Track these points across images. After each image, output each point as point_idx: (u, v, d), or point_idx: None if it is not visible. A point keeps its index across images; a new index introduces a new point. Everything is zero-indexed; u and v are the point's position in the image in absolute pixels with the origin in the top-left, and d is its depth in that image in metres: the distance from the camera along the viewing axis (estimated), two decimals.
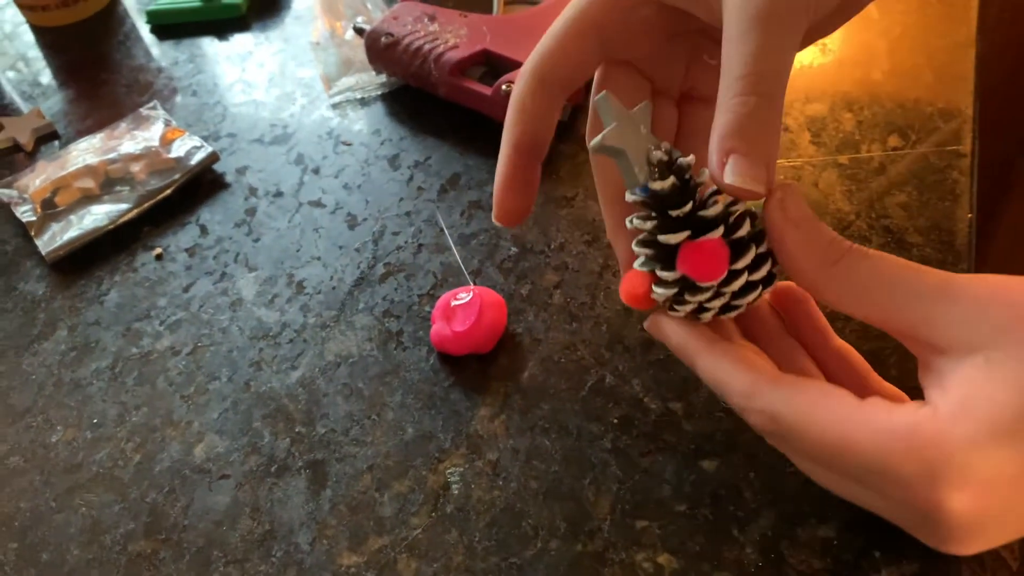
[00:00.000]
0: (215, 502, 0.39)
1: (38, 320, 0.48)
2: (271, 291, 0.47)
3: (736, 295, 0.32)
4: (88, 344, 0.46)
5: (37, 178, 0.54)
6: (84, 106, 0.62)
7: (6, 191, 0.54)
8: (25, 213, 0.52)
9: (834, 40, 0.56)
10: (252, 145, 0.56)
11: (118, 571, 0.38)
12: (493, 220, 0.35)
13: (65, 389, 0.45)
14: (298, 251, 0.49)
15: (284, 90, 0.60)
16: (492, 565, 0.36)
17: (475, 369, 0.42)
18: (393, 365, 0.43)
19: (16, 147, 0.59)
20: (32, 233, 0.51)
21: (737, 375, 0.31)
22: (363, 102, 0.57)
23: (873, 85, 0.53)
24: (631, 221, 0.32)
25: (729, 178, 0.28)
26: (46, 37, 0.69)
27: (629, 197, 0.31)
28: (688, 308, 0.32)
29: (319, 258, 0.49)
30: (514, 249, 0.47)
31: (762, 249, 0.32)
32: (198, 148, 0.54)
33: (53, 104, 0.62)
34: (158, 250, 0.50)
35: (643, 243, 0.32)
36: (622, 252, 0.36)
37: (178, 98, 0.61)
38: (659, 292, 0.32)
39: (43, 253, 0.50)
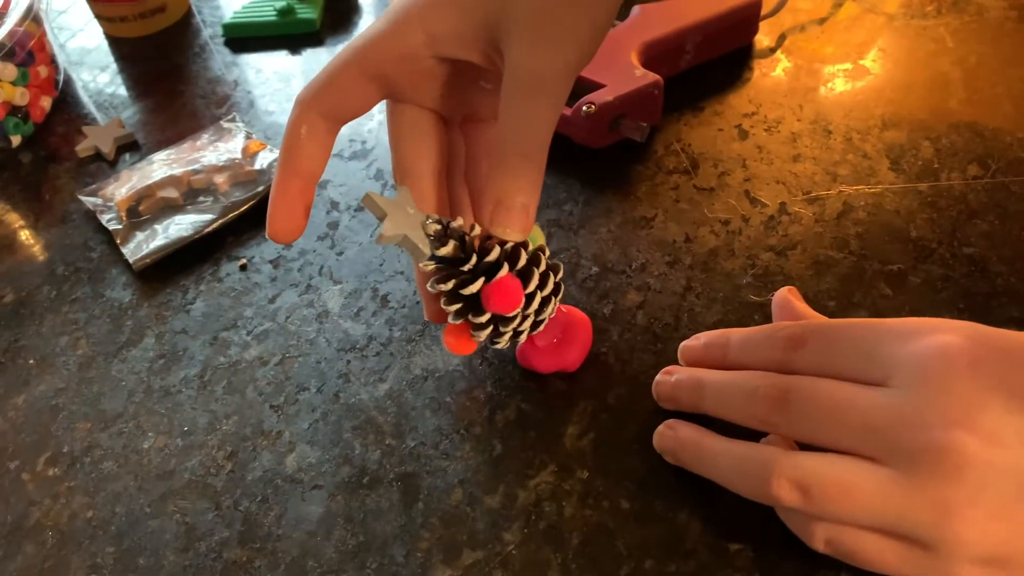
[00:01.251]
0: (308, 512, 0.40)
1: (126, 327, 0.49)
2: (356, 304, 0.48)
3: (538, 311, 0.38)
4: (176, 352, 0.47)
5: (122, 187, 0.55)
6: (162, 117, 0.63)
7: (91, 199, 0.55)
8: (111, 221, 0.53)
9: (908, 69, 0.56)
10: (331, 160, 0.57)
11: None
12: (267, 236, 0.37)
13: (155, 396, 0.46)
14: (381, 265, 0.50)
15: None
16: None
17: (561, 387, 0.43)
18: (479, 380, 0.44)
19: (98, 156, 0.60)
20: (118, 241, 0.52)
21: None
22: None
23: (950, 114, 0.53)
24: (432, 286, 0.36)
25: (497, 231, 0.34)
26: (122, 48, 0.70)
27: (424, 268, 0.36)
28: (506, 337, 0.38)
29: (402, 272, 0.49)
30: (595, 268, 0.48)
31: (542, 268, 0.37)
32: None
33: (131, 114, 0.64)
34: (243, 261, 0.51)
35: (451, 299, 0.37)
36: (433, 310, 0.40)
37: (255, 111, 0.62)
38: (479, 335, 0.38)
39: (130, 261, 0.51)
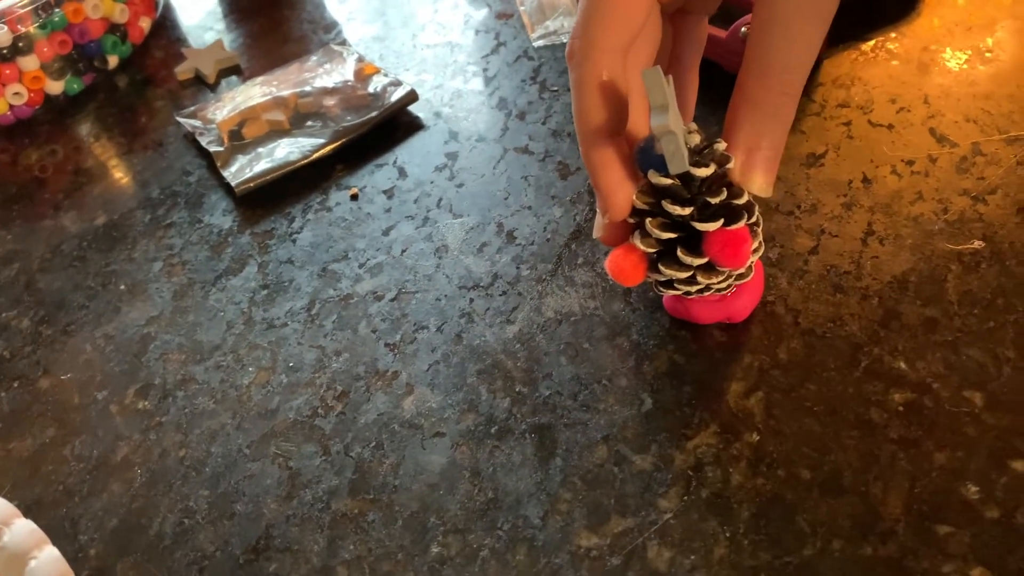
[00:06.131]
0: (429, 462, 0.35)
1: (225, 255, 0.45)
2: (479, 239, 0.43)
3: (740, 276, 0.34)
4: (281, 283, 0.43)
5: (223, 108, 0.51)
6: (266, 42, 0.58)
7: (190, 120, 0.51)
8: (211, 144, 0.49)
9: None
10: (450, 87, 0.52)
11: (321, 531, 0.34)
12: (609, 219, 0.33)
13: (257, 329, 0.41)
14: (506, 199, 0.45)
15: (482, 32, 0.55)
16: (763, 563, 0.30)
17: (720, 339, 0.37)
18: (622, 326, 0.38)
19: (198, 79, 0.56)
20: (218, 164, 0.48)
21: None
22: None
23: None
24: (659, 204, 0.31)
25: (745, 182, 0.31)
26: None
27: (658, 178, 0.31)
28: (695, 288, 0.33)
29: (530, 207, 0.44)
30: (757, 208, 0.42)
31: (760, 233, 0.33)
32: (396, 86, 0.50)
33: (234, 38, 0.59)
34: (354, 190, 0.46)
35: (670, 225, 0.32)
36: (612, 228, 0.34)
37: (366, 36, 0.57)
38: (675, 275, 0.32)
39: (232, 185, 0.46)
